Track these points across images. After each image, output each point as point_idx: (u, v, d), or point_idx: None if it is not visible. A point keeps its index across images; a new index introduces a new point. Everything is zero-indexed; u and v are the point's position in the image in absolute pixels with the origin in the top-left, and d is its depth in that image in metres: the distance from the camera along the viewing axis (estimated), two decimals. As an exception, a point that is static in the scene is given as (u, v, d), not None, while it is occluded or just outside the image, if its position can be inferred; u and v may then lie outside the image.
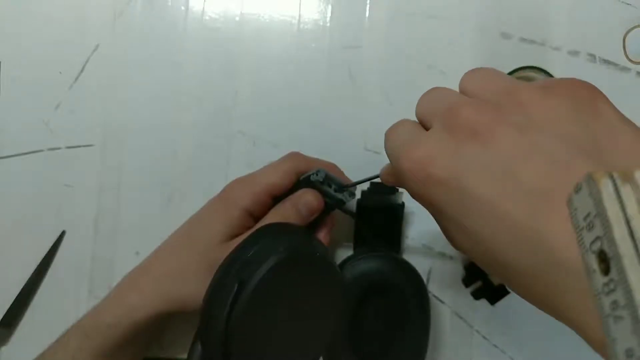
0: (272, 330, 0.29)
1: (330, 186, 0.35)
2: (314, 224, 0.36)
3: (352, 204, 0.37)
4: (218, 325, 0.27)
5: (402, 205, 0.39)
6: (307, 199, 0.34)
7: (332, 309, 0.32)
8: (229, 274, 0.28)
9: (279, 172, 0.35)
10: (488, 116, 0.19)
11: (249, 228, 0.34)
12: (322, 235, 0.36)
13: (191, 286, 0.33)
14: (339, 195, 0.35)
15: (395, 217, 0.40)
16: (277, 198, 0.35)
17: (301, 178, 0.35)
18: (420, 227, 0.42)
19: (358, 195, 0.39)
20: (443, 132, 0.20)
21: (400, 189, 0.39)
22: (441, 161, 0.20)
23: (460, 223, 0.20)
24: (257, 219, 0.35)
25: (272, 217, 0.34)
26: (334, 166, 0.37)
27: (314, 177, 0.34)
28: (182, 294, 0.33)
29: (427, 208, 0.22)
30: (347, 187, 0.35)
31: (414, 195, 0.22)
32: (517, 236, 0.17)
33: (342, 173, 0.37)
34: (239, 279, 0.28)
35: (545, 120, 0.19)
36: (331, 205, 0.35)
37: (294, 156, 0.36)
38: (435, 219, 0.22)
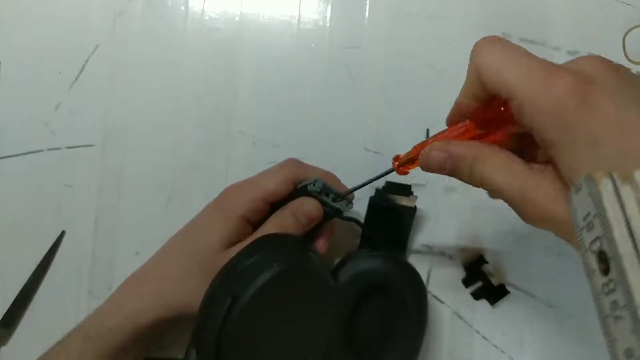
0: (265, 342, 0.29)
1: (327, 195, 0.35)
2: (312, 232, 0.36)
3: (351, 211, 0.37)
4: (211, 339, 0.27)
5: (414, 209, 0.39)
6: (306, 208, 0.34)
7: (326, 321, 0.32)
8: (222, 288, 0.29)
9: (276, 178, 0.35)
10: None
11: (248, 234, 0.34)
12: (321, 243, 0.36)
13: (191, 293, 0.33)
14: (337, 205, 0.35)
15: (405, 220, 0.39)
16: (274, 204, 0.35)
17: (298, 187, 0.35)
18: (422, 228, 0.42)
19: (372, 192, 0.39)
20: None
21: (415, 193, 0.39)
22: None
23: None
24: (255, 224, 0.35)
25: (271, 226, 0.34)
26: (332, 175, 0.37)
27: (311, 188, 0.34)
28: (182, 301, 0.33)
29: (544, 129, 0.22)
30: (345, 195, 0.35)
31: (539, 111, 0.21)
32: None
33: (339, 181, 0.37)
34: (232, 294, 0.28)
35: None
36: (330, 213, 0.35)
37: (292, 163, 0.36)
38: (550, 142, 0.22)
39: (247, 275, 0.29)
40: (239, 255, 0.30)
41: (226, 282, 0.29)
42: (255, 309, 0.28)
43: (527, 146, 0.26)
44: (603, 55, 0.23)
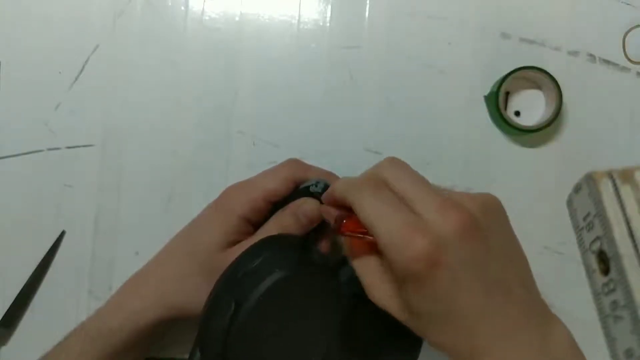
0: (267, 344, 0.29)
1: None
2: (315, 231, 0.36)
3: None
4: (215, 343, 0.28)
5: None
6: (307, 208, 0.34)
7: (327, 321, 0.32)
8: (225, 292, 0.29)
9: (277, 178, 0.35)
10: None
11: (248, 234, 0.34)
12: (323, 243, 0.36)
13: (192, 294, 0.33)
14: None
15: None
16: (275, 204, 0.35)
17: (301, 187, 0.35)
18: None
19: None
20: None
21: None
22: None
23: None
24: (255, 224, 0.35)
25: (271, 226, 0.34)
26: (333, 175, 0.37)
27: (313, 189, 0.34)
28: (183, 301, 0.33)
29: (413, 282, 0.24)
30: None
31: (402, 266, 0.24)
32: None
33: None
34: (235, 298, 0.28)
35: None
36: None
37: (293, 163, 0.36)
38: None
39: (250, 280, 0.29)
40: (242, 257, 0.30)
41: (229, 286, 0.29)
42: (258, 313, 0.28)
43: None
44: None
